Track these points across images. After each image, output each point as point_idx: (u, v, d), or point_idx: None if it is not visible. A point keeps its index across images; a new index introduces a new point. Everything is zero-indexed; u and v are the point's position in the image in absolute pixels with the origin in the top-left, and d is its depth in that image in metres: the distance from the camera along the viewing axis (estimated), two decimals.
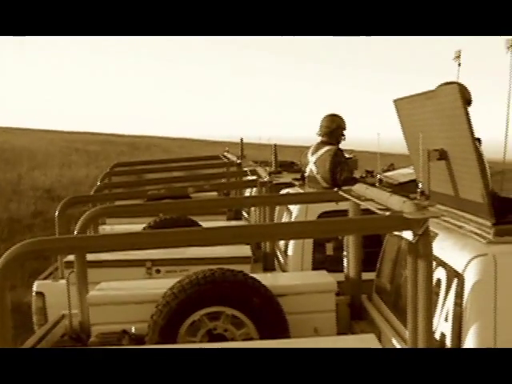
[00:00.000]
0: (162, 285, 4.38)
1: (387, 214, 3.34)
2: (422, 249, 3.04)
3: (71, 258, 5.20)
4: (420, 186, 3.33)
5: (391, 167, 7.88)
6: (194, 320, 4.19)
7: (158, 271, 6.06)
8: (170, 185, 9.14)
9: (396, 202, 3.35)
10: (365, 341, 3.57)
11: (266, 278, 4.55)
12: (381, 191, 3.90)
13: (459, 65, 10.16)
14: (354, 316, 4.88)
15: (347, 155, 7.74)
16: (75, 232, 4.73)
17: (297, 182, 7.52)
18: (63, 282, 4.89)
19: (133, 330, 4.28)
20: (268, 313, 4.22)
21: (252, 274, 4.48)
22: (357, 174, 7.59)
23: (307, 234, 4.06)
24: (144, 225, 7.46)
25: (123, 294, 4.57)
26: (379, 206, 3.71)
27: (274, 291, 4.32)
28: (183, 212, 7.14)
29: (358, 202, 4.26)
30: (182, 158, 13.73)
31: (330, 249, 6.33)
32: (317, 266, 6.13)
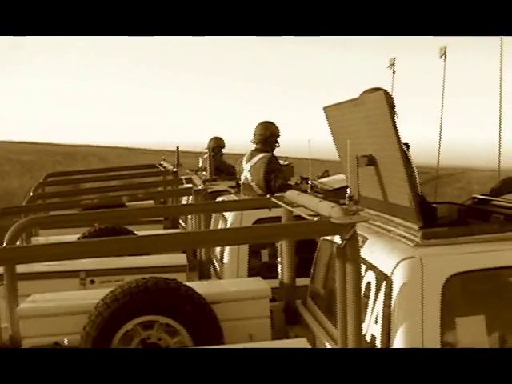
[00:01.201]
0: (94, 295, 4.33)
1: (315, 219, 3.39)
2: (349, 253, 3.09)
3: (1, 270, 5.09)
4: (349, 191, 3.39)
5: (326, 173, 7.96)
6: (127, 330, 4.16)
7: (93, 282, 5.97)
8: (105, 194, 9.05)
9: (325, 208, 3.40)
10: (296, 345, 3.61)
11: (199, 286, 4.55)
12: (311, 197, 3.96)
13: (393, 72, 10.44)
14: (288, 321, 4.91)
15: (283, 162, 7.81)
16: (4, 243, 4.62)
17: (232, 190, 7.55)
18: None
19: (65, 342, 4.22)
20: (202, 320, 4.23)
21: (186, 282, 4.48)
22: (293, 181, 7.65)
23: (237, 240, 4.08)
24: (78, 235, 7.35)
25: (55, 306, 4.48)
26: (310, 212, 3.77)
27: (208, 299, 4.33)
28: (118, 221, 7.07)
29: (289, 208, 4.32)
30: (118, 168, 13.61)
31: (265, 255, 6.37)
32: (253, 273, 6.16)
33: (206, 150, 10.17)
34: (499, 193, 4.65)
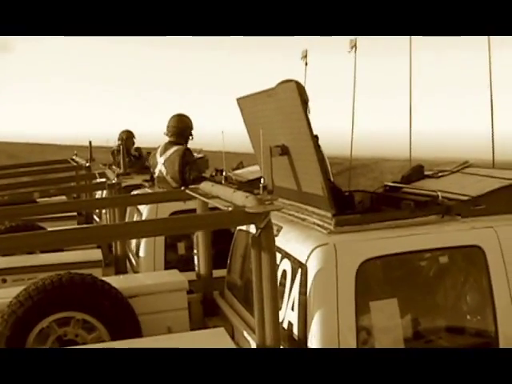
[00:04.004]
0: (7, 294, 4.22)
1: (230, 209, 3.41)
2: (264, 241, 3.13)
3: None
4: (262, 181, 3.41)
5: (240, 165, 7.98)
6: (42, 327, 4.07)
7: (4, 281, 5.81)
8: (16, 191, 8.77)
9: (239, 198, 3.42)
10: (214, 334, 3.63)
11: (116, 280, 4.50)
12: (225, 188, 3.97)
13: (306, 64, 10.56)
14: (207, 313, 4.93)
15: (198, 155, 7.79)
16: None
17: (147, 184, 7.47)
18: None
19: None
20: (119, 315, 4.19)
21: (102, 277, 4.42)
22: (208, 173, 7.64)
23: (152, 232, 4.04)
24: None
25: None
26: (224, 203, 3.77)
27: (125, 293, 4.29)
28: (29, 216, 6.87)
29: (203, 199, 4.31)
30: (29, 163, 13.23)
31: (182, 248, 6.34)
32: (170, 266, 6.12)
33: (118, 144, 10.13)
34: (409, 180, 4.77)
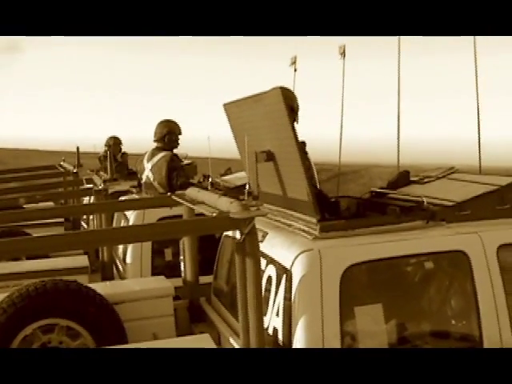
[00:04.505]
0: None
1: (214, 214, 3.40)
2: (248, 247, 3.13)
3: None
4: (247, 187, 3.42)
5: (228, 171, 7.99)
6: (26, 334, 4.06)
7: None
8: (2, 196, 8.74)
9: (224, 204, 3.42)
10: (199, 341, 3.62)
11: (101, 287, 4.50)
12: (211, 194, 3.96)
13: (295, 70, 10.58)
14: (193, 319, 4.92)
15: (186, 161, 7.78)
16: None
17: (134, 190, 7.45)
18: None
19: None
20: (104, 321, 4.18)
21: (88, 284, 4.41)
22: (196, 179, 7.62)
23: (137, 238, 4.02)
24: None
25: None
26: (210, 209, 3.77)
27: (110, 299, 4.29)
28: (15, 222, 6.85)
29: (189, 205, 4.31)
30: (16, 169, 13.18)
31: (169, 254, 6.33)
32: (157, 272, 6.10)
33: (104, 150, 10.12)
34: (395, 186, 4.78)
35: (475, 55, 7.22)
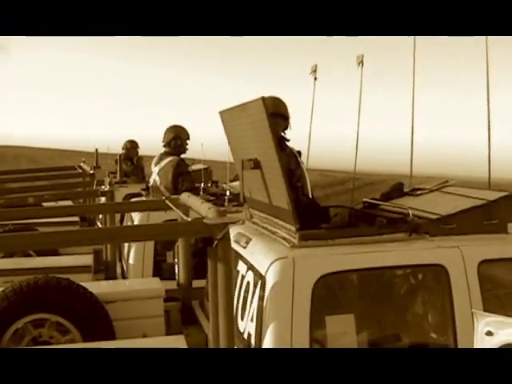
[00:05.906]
0: None
1: (189, 219, 3.48)
2: (221, 253, 3.20)
3: None
4: (228, 193, 3.49)
5: (237, 177, 8.06)
6: (17, 328, 4.19)
7: None
8: (18, 195, 8.91)
9: (203, 209, 3.49)
10: (172, 341, 3.70)
11: (95, 286, 4.61)
12: (197, 199, 4.03)
13: (315, 79, 10.59)
14: (185, 321, 4.99)
15: (201, 166, 7.89)
16: None
17: (143, 192, 7.59)
18: None
19: None
20: (93, 319, 4.29)
21: (82, 282, 4.51)
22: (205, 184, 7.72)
23: (105, 240, 4.16)
24: None
25: None
26: (195, 214, 3.85)
27: (101, 298, 4.38)
28: (26, 218, 6.98)
29: (175, 209, 4.39)
30: (39, 169, 13.43)
31: (170, 257, 6.41)
32: (159, 274, 6.19)
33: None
34: (388, 197, 4.81)
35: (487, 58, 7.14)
